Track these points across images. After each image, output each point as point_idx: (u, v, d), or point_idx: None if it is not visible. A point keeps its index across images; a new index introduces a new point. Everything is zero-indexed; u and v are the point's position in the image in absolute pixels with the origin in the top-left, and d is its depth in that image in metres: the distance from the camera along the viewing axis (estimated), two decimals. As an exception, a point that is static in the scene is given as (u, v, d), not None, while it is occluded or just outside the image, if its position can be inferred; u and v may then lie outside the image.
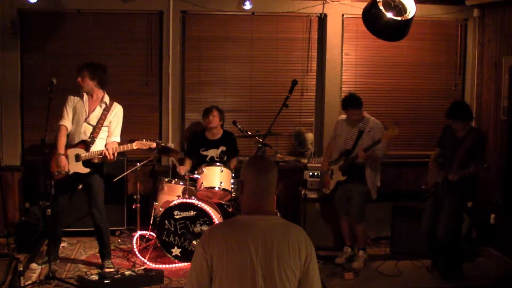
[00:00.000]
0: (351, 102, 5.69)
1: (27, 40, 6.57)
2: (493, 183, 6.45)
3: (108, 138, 5.41)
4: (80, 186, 5.52)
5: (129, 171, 6.25)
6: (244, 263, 2.43)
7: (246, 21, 6.92)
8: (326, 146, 6.80)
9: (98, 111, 5.39)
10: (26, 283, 4.98)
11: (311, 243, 2.56)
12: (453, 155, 5.33)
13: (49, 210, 5.04)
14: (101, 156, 5.29)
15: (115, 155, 5.32)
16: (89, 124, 5.35)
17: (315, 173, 6.26)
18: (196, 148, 6.39)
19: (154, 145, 5.42)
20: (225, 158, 6.38)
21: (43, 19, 6.59)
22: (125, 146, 5.36)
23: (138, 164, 6.06)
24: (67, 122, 5.37)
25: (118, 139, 5.45)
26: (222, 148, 6.40)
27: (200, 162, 6.19)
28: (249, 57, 6.98)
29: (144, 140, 5.42)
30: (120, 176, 6.16)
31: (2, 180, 6.48)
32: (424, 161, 7.09)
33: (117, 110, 5.45)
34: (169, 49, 6.71)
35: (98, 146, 5.35)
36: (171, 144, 6.76)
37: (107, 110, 5.40)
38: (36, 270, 5.40)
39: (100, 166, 5.42)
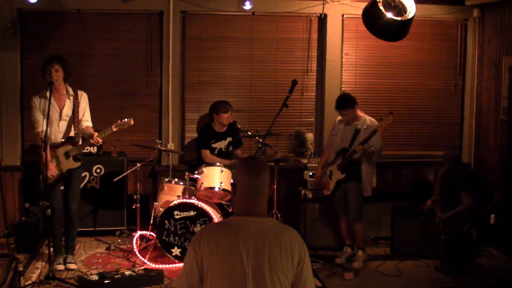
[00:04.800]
0: (338, 104, 5.71)
1: (27, 40, 6.57)
2: (493, 183, 6.45)
3: (81, 124, 5.48)
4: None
5: (129, 171, 6.24)
6: (234, 265, 2.40)
7: (246, 21, 6.92)
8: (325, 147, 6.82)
9: (68, 105, 5.43)
10: (26, 283, 4.97)
11: (305, 246, 2.53)
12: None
13: (49, 210, 5.04)
14: (89, 144, 5.47)
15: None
16: (64, 120, 5.40)
17: (315, 173, 6.25)
18: (208, 141, 6.45)
19: (131, 122, 5.44)
20: (231, 149, 6.49)
21: (43, 19, 6.59)
22: (106, 131, 5.38)
23: (138, 164, 6.05)
24: (43, 127, 5.38)
25: (90, 124, 5.56)
26: (229, 139, 6.50)
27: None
28: (249, 57, 6.97)
29: (119, 120, 5.42)
30: (120, 176, 6.15)
31: (2, 180, 6.47)
32: (424, 161, 7.13)
33: (85, 97, 5.54)
34: (169, 49, 6.71)
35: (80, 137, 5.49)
36: (170, 145, 6.76)
37: (77, 102, 5.45)
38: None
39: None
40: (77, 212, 5.60)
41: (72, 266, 5.48)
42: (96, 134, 5.31)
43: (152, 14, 6.75)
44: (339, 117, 5.93)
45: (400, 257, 5.98)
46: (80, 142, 5.44)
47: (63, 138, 5.40)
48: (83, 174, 6.32)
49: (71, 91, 5.46)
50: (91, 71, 6.72)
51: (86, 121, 5.53)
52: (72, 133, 5.41)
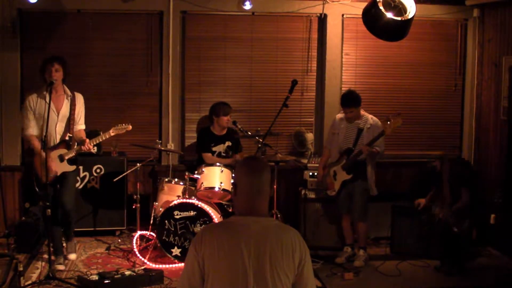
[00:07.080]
0: (345, 101, 5.70)
1: (27, 40, 6.57)
2: (493, 183, 6.45)
3: (75, 127, 5.47)
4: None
5: (129, 171, 6.24)
6: (236, 265, 2.41)
7: (246, 21, 6.92)
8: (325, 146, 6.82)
9: (66, 107, 5.42)
10: (26, 283, 4.97)
11: (306, 246, 2.53)
12: (441, 192, 5.73)
13: (49, 210, 5.04)
14: (81, 148, 5.39)
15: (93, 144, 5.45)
16: (61, 121, 5.40)
17: (315, 173, 6.25)
18: (208, 144, 6.44)
19: (130, 127, 5.48)
20: (230, 153, 6.47)
21: (43, 19, 6.59)
22: (103, 135, 5.40)
23: (138, 164, 6.05)
24: (34, 130, 5.37)
25: (83, 127, 5.56)
26: (228, 143, 6.48)
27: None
28: (249, 57, 6.97)
29: (119, 125, 5.46)
30: (120, 176, 6.15)
31: (2, 180, 6.48)
32: (424, 161, 7.12)
33: (81, 100, 5.54)
34: (169, 49, 6.71)
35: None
36: (170, 145, 6.76)
37: (74, 103, 5.44)
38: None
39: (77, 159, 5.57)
40: (73, 211, 5.58)
41: (72, 256, 5.54)
42: (87, 140, 5.33)
43: (152, 14, 6.75)
44: (339, 115, 5.92)
45: (400, 257, 5.97)
46: (75, 146, 5.42)
47: (59, 140, 5.40)
48: (83, 174, 6.35)
49: (69, 92, 5.46)
50: (91, 71, 6.72)
51: (80, 125, 5.53)
52: (67, 136, 5.40)
